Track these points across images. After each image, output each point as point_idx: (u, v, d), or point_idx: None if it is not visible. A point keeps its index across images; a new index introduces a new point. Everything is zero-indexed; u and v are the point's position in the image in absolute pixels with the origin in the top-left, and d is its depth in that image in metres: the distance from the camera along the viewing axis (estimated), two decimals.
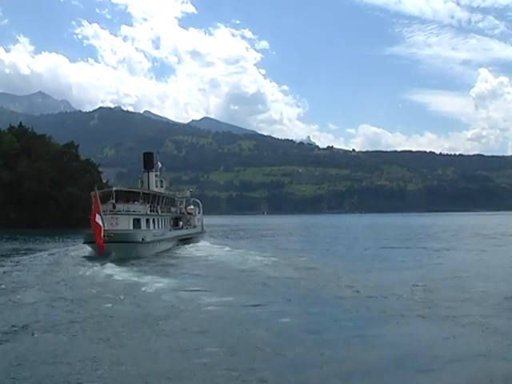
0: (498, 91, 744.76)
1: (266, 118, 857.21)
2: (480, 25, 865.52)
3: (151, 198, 36.41)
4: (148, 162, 44.00)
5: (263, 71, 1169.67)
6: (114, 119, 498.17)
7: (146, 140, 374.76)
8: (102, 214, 28.81)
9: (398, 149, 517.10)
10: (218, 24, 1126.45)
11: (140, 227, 33.14)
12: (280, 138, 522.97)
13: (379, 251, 38.47)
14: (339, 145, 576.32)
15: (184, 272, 24.08)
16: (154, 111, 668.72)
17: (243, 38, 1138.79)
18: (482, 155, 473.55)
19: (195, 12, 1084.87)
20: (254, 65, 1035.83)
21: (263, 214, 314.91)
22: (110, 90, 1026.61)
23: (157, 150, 56.57)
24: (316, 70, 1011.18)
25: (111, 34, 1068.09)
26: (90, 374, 9.50)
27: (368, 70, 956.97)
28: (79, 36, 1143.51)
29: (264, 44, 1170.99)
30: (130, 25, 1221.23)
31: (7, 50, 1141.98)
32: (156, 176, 44.19)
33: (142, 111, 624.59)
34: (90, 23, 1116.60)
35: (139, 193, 35.46)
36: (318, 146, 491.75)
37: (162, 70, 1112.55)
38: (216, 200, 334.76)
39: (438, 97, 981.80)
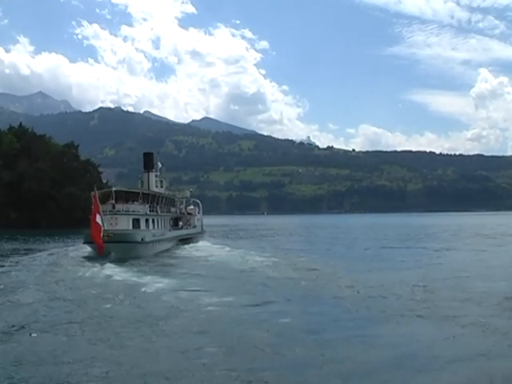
0: (498, 91, 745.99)
1: (265, 118, 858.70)
2: (480, 25, 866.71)
3: (151, 198, 36.42)
4: (148, 163, 44.06)
5: (263, 71, 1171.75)
6: (114, 119, 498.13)
7: (146, 140, 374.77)
8: (101, 214, 28.84)
9: (398, 149, 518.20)
10: (218, 24, 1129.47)
11: (139, 227, 33.15)
12: (280, 138, 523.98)
13: (379, 251, 38.46)
14: (339, 145, 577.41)
15: (184, 272, 24.06)
16: (154, 111, 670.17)
17: (243, 38, 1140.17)
18: (482, 155, 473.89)
19: (195, 12, 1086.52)
20: (254, 65, 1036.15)
21: (263, 214, 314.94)
22: (110, 90, 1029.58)
23: (157, 150, 56.61)
24: (316, 69, 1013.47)
25: (111, 34, 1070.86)
26: (90, 374, 9.48)
27: (368, 69, 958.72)
28: (79, 36, 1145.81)
29: (264, 44, 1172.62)
30: (130, 25, 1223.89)
31: (7, 50, 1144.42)
32: (156, 176, 44.27)
33: (141, 111, 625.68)
34: (90, 23, 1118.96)
35: (139, 193, 35.48)
36: (317, 146, 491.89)
37: (161, 70, 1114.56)
38: (216, 200, 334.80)
39: (438, 97, 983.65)
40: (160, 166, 46.82)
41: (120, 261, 26.33)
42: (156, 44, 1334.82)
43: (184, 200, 50.04)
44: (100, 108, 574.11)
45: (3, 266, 25.17)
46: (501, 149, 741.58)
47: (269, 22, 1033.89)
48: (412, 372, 9.93)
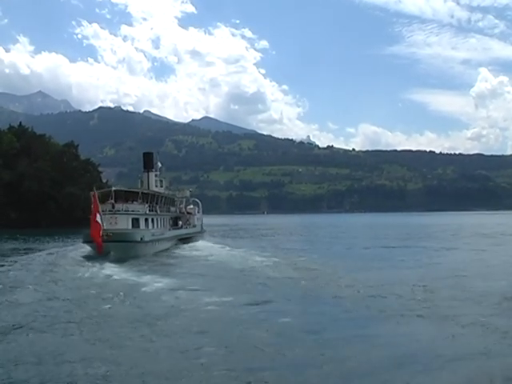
0: (497, 90, 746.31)
1: (265, 118, 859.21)
2: (480, 24, 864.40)
3: (150, 198, 36.45)
4: (148, 162, 44.19)
5: (263, 71, 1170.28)
6: (114, 119, 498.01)
7: (145, 140, 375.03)
8: (101, 213, 28.89)
9: (398, 148, 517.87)
10: (218, 24, 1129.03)
11: (139, 227, 33.18)
12: (280, 137, 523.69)
13: (379, 250, 38.48)
14: (339, 144, 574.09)
15: (183, 272, 24.05)
16: (154, 111, 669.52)
17: (243, 37, 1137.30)
18: (482, 154, 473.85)
19: (195, 12, 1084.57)
20: (254, 64, 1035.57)
21: (263, 213, 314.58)
22: (110, 89, 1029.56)
23: (157, 150, 56.71)
24: (316, 69, 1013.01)
25: (111, 33, 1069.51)
26: (89, 374, 9.46)
27: (368, 69, 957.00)
28: (79, 36, 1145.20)
29: (264, 43, 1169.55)
30: (130, 24, 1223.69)
31: (7, 50, 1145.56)
32: (156, 176, 44.39)
33: (141, 111, 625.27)
34: (90, 23, 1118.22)
35: (138, 193, 35.51)
36: (317, 146, 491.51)
37: (161, 70, 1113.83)
38: (216, 199, 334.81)
39: (437, 96, 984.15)
40: (160, 165, 46.91)
41: (119, 260, 26.31)
42: (156, 44, 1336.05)
43: (184, 199, 50.07)
44: (100, 108, 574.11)
45: (2, 266, 25.13)
46: (501, 148, 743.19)
47: (269, 22, 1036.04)
48: (412, 371, 9.91)
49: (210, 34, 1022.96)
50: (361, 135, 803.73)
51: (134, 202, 34.15)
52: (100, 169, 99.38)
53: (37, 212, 75.44)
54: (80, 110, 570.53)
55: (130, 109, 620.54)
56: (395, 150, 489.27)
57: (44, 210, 76.57)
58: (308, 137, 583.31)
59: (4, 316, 14.02)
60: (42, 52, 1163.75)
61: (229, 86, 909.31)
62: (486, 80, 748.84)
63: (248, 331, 12.67)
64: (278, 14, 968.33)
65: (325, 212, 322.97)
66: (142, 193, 35.75)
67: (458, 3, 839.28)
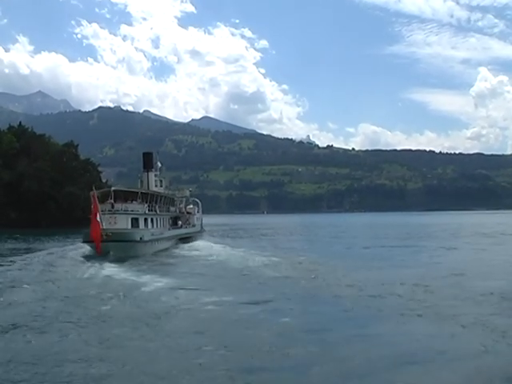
0: (497, 90, 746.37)
1: (265, 117, 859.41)
2: (479, 23, 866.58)
3: (149, 198, 36.49)
4: (147, 162, 44.34)
5: (263, 70, 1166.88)
6: (114, 119, 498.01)
7: (145, 139, 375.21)
8: (100, 213, 28.94)
9: (398, 148, 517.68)
10: (218, 23, 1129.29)
11: (138, 226, 33.23)
12: (280, 137, 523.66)
13: (379, 250, 38.47)
14: (339, 144, 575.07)
15: (183, 271, 24.03)
16: (154, 111, 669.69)
17: (243, 37, 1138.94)
18: (482, 154, 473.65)
19: (194, 11, 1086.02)
20: (254, 64, 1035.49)
21: (263, 213, 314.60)
22: (110, 89, 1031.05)
23: (156, 150, 56.86)
24: (316, 69, 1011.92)
25: (110, 33, 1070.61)
26: (88, 374, 9.44)
27: (368, 68, 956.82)
28: (78, 35, 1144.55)
29: (263, 43, 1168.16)
30: (130, 24, 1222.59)
31: (6, 50, 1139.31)
32: (155, 176, 44.56)
33: (141, 111, 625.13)
34: (90, 23, 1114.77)
35: (137, 192, 35.57)
36: (317, 145, 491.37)
37: (161, 70, 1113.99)
38: (216, 199, 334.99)
39: (437, 96, 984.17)
40: (160, 165, 47.03)
41: (119, 260, 26.32)
42: (155, 43, 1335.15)
43: (183, 199, 50.16)
44: (99, 107, 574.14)
45: (2, 266, 25.11)
46: (500, 148, 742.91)
47: (268, 21, 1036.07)
48: (412, 371, 9.92)
49: (210, 33, 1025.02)
50: (360, 135, 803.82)
51: (134, 202, 34.20)
52: (100, 169, 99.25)
53: (37, 212, 75.39)
54: (80, 110, 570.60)
55: (130, 109, 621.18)
56: (395, 150, 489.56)
57: (44, 209, 76.51)
58: (308, 136, 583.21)
59: (2, 316, 13.98)
60: (42, 52, 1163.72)
61: (228, 85, 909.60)
62: (485, 79, 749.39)
63: (248, 331, 12.66)
64: (278, 13, 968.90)
65: (325, 212, 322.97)
66: (141, 193, 35.80)
67: (457, 3, 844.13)
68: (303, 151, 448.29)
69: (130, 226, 32.13)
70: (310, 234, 74.32)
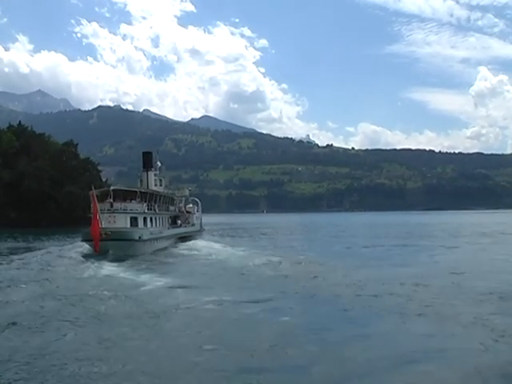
0: (497, 89, 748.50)
1: (265, 117, 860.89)
2: (479, 23, 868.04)
3: (149, 197, 36.51)
4: (147, 162, 44.48)
5: (262, 69, 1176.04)
6: (114, 118, 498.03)
7: (145, 138, 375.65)
8: (99, 212, 28.99)
9: (398, 147, 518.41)
10: (218, 22, 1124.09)
11: (137, 225, 33.24)
12: (279, 136, 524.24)
13: (379, 249, 38.45)
14: (339, 143, 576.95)
15: (182, 270, 24.01)
16: (154, 110, 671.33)
17: (242, 36, 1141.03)
18: (482, 153, 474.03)
19: (194, 10, 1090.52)
20: (254, 63, 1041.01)
21: (263, 212, 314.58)
22: (110, 88, 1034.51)
23: (156, 149, 56.86)
24: (315, 68, 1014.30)
25: (110, 32, 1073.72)
26: (87, 373, 9.40)
27: (367, 68, 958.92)
28: (78, 35, 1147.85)
29: (263, 42, 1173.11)
30: (129, 23, 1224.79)
31: (6, 49, 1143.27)
32: (155, 175, 44.66)
33: (141, 110, 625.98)
34: (89, 22, 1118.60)
35: (136, 192, 35.59)
36: (317, 145, 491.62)
37: (161, 69, 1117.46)
38: (216, 198, 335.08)
39: (437, 95, 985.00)
40: (159, 164, 47.09)
41: (118, 259, 26.28)
42: (155, 42, 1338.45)
43: (183, 198, 50.18)
44: (99, 106, 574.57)
45: (1, 264, 25.08)
46: (500, 147, 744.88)
47: (268, 21, 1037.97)
48: (412, 371, 9.89)
49: (210, 32, 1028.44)
50: (360, 134, 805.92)
51: (133, 201, 34.22)
52: (100, 168, 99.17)
53: (36, 211, 75.27)
54: (79, 109, 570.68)
55: (130, 108, 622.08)
56: (395, 149, 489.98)
57: (44, 209, 76.42)
58: (307, 136, 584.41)
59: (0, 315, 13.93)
60: (42, 51, 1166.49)
61: (228, 84, 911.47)
62: (485, 79, 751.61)
63: (248, 330, 12.65)
64: (278, 12, 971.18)
65: (324, 211, 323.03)
66: (140, 192, 35.81)
67: (457, 2, 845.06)
68: (303, 150, 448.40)
69: (128, 225, 32.16)
70: (309, 233, 74.31)
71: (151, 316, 13.97)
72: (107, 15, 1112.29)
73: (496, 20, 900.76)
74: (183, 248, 36.24)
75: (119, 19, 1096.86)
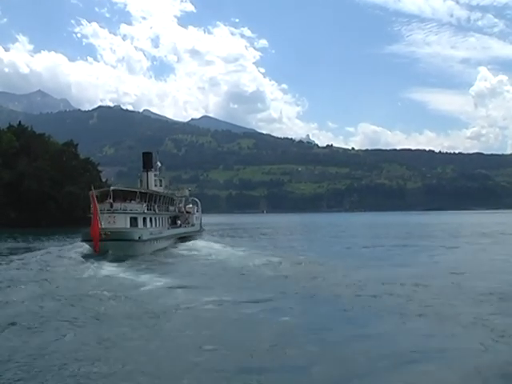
0: (497, 89, 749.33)
1: (265, 117, 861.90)
2: (479, 23, 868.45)
3: (148, 197, 36.52)
4: (147, 162, 44.51)
5: (262, 70, 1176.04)
6: (114, 118, 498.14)
7: (145, 139, 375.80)
8: (98, 212, 29.00)
9: (398, 147, 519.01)
10: (218, 22, 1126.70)
11: (137, 226, 33.25)
12: (279, 136, 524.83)
13: (379, 249, 38.44)
14: (338, 143, 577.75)
15: (182, 271, 23.99)
16: (154, 110, 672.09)
17: (242, 36, 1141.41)
18: (482, 154, 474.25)
19: (194, 11, 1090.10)
20: (254, 63, 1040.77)
21: (263, 212, 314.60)
22: (110, 88, 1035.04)
23: (156, 149, 56.92)
24: (315, 68, 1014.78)
25: (110, 32, 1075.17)
26: (87, 373, 9.39)
27: (367, 68, 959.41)
28: (78, 35, 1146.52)
29: (263, 42, 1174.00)
30: (129, 23, 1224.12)
31: (6, 49, 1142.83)
32: (155, 175, 44.68)
33: (141, 110, 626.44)
34: (89, 22, 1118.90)
35: (136, 192, 35.60)
36: (317, 145, 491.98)
37: (161, 69, 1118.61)
38: (216, 198, 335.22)
39: (437, 95, 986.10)
40: (159, 164, 47.11)
41: (117, 259, 26.27)
42: (155, 43, 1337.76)
43: (183, 199, 50.18)
44: (99, 107, 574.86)
45: (0, 265, 25.06)
46: (500, 147, 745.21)
47: (268, 21, 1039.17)
48: (412, 371, 9.88)
49: (210, 32, 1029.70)
50: (360, 134, 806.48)
51: (132, 202, 34.23)
52: (100, 168, 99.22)
53: (36, 211, 75.30)
54: (79, 109, 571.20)
55: (130, 108, 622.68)
56: (395, 149, 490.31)
57: (44, 209, 76.44)
58: (307, 136, 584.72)
59: None
60: (42, 51, 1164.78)
61: (228, 84, 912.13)
62: (485, 79, 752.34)
63: (247, 330, 12.64)
64: (278, 12, 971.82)
65: (324, 211, 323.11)
66: (140, 192, 35.83)
67: (457, 2, 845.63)
68: (303, 150, 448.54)
69: (128, 226, 32.17)
70: (309, 233, 74.30)
71: (151, 316, 13.96)
72: (107, 15, 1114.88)
73: (496, 20, 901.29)
74: (183, 248, 36.22)
75: (119, 19, 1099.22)
